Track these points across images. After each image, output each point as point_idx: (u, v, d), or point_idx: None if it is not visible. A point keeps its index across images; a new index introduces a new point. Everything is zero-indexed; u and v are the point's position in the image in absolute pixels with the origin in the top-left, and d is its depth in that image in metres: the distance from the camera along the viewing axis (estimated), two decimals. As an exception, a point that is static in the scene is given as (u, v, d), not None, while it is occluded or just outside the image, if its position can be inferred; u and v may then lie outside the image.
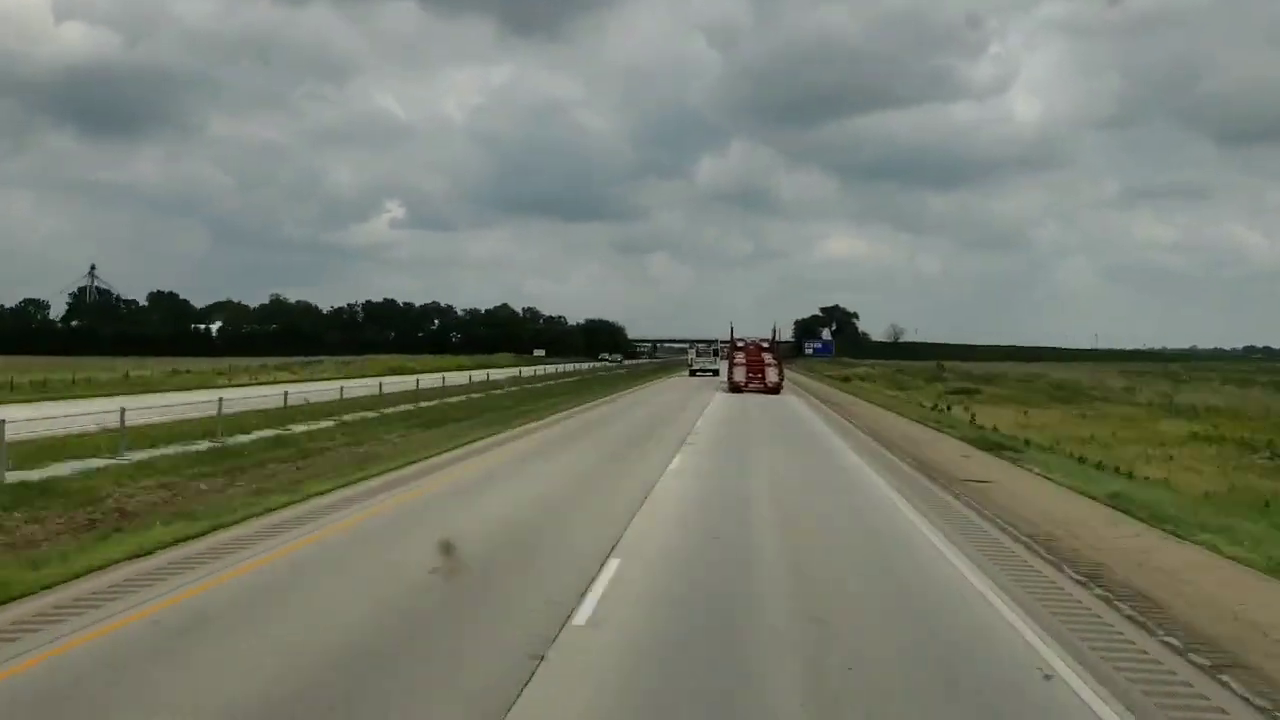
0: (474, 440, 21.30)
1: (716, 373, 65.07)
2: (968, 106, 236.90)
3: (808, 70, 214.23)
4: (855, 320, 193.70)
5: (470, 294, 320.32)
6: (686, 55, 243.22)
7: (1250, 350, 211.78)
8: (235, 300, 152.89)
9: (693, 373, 72.46)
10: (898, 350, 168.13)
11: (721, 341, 65.22)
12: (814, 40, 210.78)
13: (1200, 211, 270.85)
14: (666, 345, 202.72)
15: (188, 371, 55.12)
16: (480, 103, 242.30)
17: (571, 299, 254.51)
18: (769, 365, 46.79)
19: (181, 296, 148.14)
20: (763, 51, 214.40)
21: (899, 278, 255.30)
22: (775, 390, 45.17)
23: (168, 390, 37.34)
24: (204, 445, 17.79)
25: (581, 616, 7.50)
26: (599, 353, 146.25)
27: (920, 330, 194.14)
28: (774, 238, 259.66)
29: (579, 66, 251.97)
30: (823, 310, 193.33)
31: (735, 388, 45.88)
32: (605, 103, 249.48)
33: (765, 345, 48.65)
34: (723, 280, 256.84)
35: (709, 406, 34.99)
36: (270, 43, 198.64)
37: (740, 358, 47.77)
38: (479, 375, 51.71)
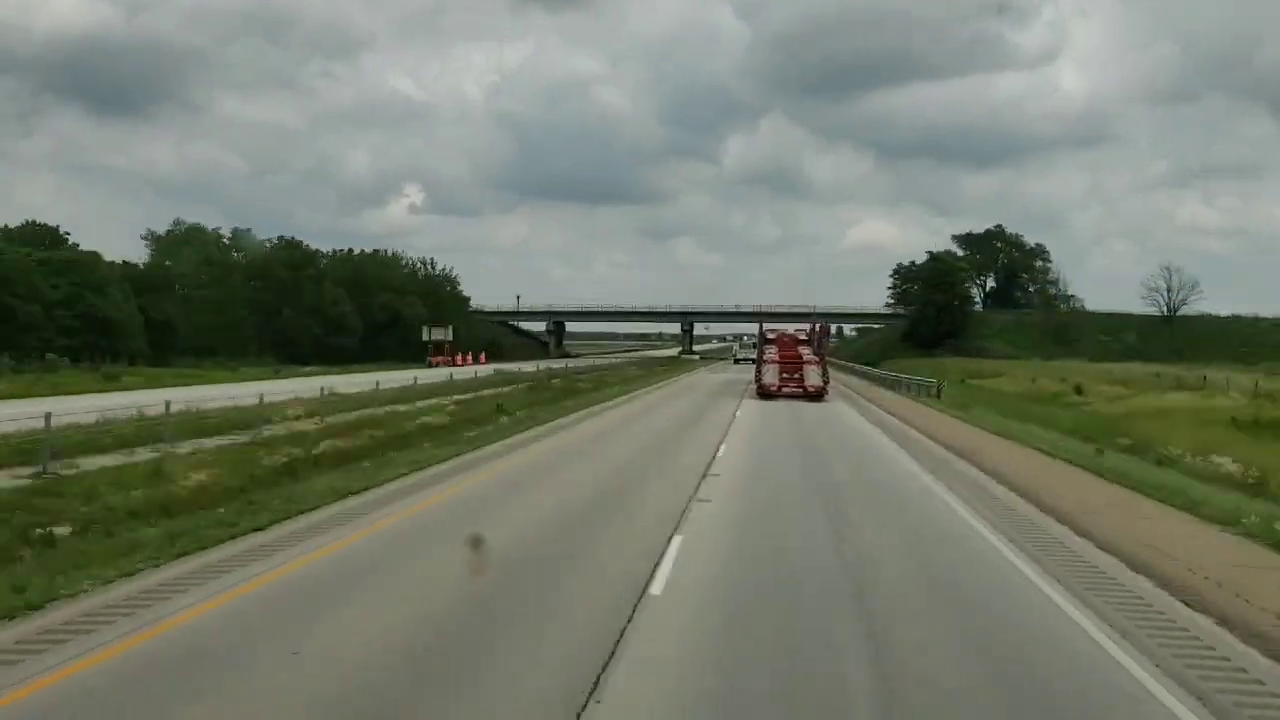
0: None
1: (754, 361, 56.75)
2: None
3: (844, 39, 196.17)
4: (1048, 263, 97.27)
5: (483, 284, 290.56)
6: (712, 25, 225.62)
7: None
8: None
9: (736, 361, 77.30)
10: (1208, 334, 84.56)
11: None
12: (846, 8, 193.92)
13: None
14: (600, 331, 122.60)
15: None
16: (497, 81, 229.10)
17: (586, 285, 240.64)
18: (808, 363, 36.46)
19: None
20: (792, 22, 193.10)
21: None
22: (818, 396, 35.18)
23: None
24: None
25: None
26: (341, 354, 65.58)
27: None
28: (804, 220, 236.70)
29: (598, 37, 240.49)
30: (962, 240, 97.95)
31: (765, 392, 35.71)
32: (627, 77, 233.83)
33: (803, 337, 39.00)
34: (750, 264, 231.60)
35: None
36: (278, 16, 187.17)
37: (771, 353, 37.68)
38: None
